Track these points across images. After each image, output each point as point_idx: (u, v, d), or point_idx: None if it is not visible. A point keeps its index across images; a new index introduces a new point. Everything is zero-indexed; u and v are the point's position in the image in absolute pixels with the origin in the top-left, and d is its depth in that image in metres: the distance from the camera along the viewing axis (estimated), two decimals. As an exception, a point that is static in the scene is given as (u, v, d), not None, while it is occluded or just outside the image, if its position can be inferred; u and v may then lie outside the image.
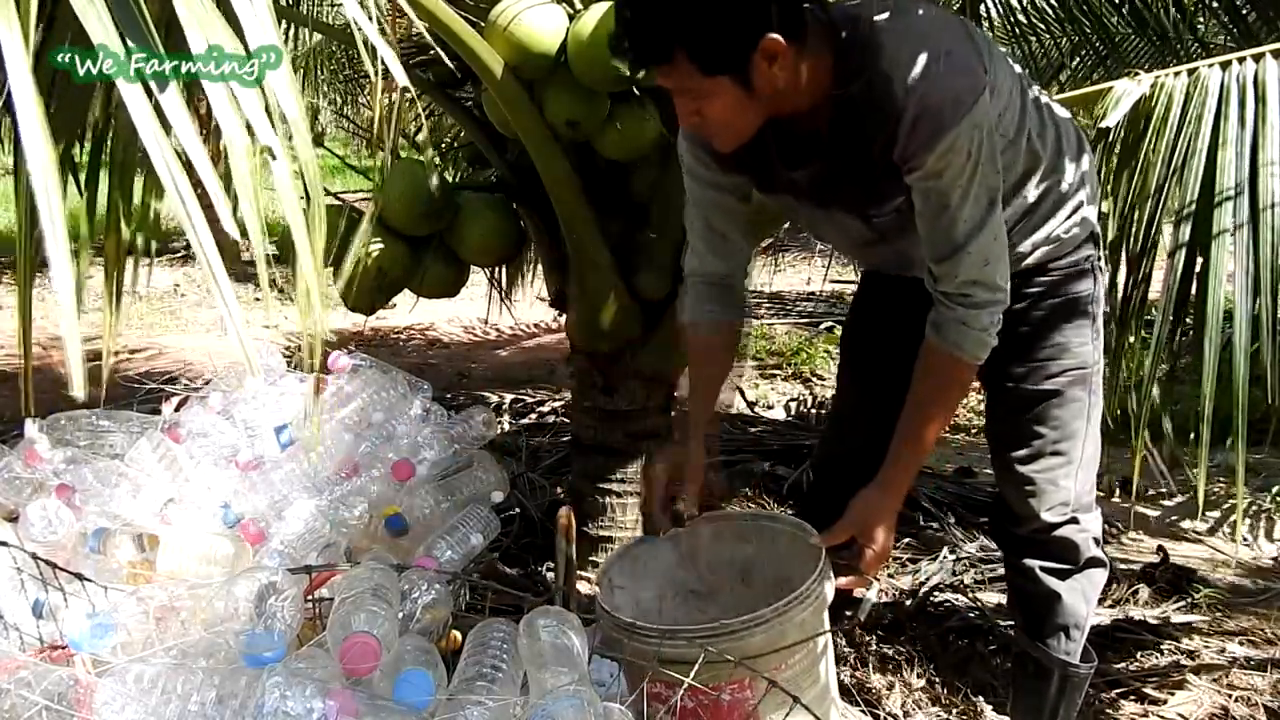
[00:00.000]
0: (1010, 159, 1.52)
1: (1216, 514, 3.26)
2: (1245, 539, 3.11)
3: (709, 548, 1.65)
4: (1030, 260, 1.62)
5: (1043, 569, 1.74)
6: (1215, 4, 2.88)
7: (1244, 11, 2.79)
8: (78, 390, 0.78)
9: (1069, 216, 1.61)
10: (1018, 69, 1.56)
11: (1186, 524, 3.20)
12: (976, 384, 1.85)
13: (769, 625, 1.32)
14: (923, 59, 1.34)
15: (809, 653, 1.38)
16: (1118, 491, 2.43)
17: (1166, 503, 3.33)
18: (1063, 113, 1.64)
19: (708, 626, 1.32)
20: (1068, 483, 1.69)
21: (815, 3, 1.37)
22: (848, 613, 1.69)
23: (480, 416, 1.78)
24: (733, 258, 1.67)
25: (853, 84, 1.38)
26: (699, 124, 1.41)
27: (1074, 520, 1.71)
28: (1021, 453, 1.69)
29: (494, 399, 4.35)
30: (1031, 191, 1.57)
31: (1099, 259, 1.68)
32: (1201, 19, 3.07)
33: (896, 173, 1.41)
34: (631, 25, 1.33)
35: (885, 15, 1.39)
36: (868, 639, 2.43)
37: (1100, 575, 1.78)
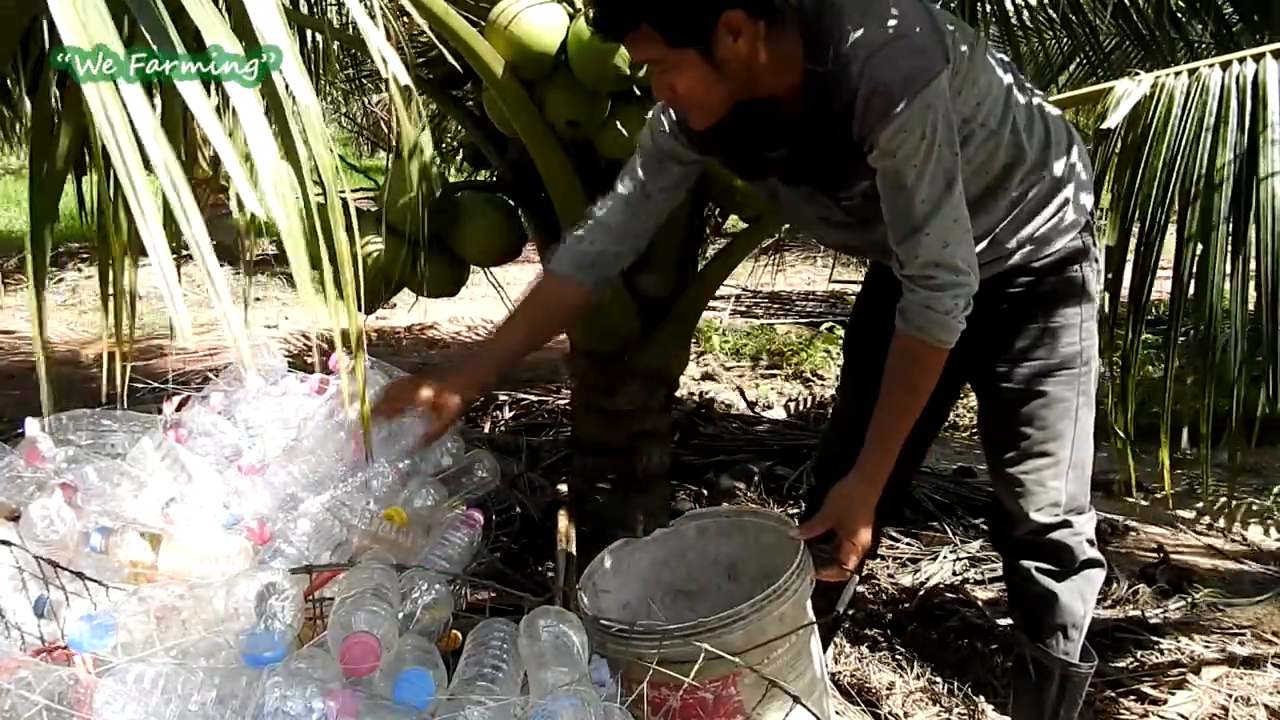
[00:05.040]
0: (991, 149, 1.53)
1: (1219, 518, 3.26)
2: (1245, 538, 3.11)
3: (694, 546, 1.65)
4: (1017, 258, 1.62)
5: (1039, 570, 1.75)
6: (1199, 5, 2.89)
7: (1228, 18, 2.81)
8: (188, 339, 0.81)
9: (1054, 214, 1.62)
10: (1006, 76, 1.56)
11: (1186, 523, 3.20)
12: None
13: (748, 621, 1.32)
14: (878, 39, 1.38)
15: (792, 646, 1.38)
16: (1119, 491, 2.43)
17: (1165, 506, 3.33)
18: (1055, 111, 1.65)
19: (687, 625, 1.33)
20: (1056, 484, 1.69)
21: None
22: (839, 608, 1.67)
23: (485, 462, 1.77)
24: (638, 221, 1.68)
25: (819, 64, 1.41)
26: (672, 98, 1.45)
27: (1066, 523, 1.71)
28: (1009, 454, 1.70)
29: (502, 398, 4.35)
30: (1015, 186, 1.57)
31: (1088, 260, 1.68)
32: (1192, 23, 3.08)
33: (858, 154, 1.43)
34: None
35: None
36: (870, 633, 2.43)
37: (1098, 575, 1.79)
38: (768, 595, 1.34)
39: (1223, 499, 3.29)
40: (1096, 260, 1.71)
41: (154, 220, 0.81)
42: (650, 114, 1.65)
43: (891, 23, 1.39)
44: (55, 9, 0.83)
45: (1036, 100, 1.61)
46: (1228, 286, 1.87)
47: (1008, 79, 1.55)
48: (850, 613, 1.51)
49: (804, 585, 1.41)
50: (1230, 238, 1.86)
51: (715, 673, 1.29)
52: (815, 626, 1.46)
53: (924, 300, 1.46)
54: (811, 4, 1.42)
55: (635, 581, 1.62)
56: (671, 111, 1.59)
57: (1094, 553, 1.76)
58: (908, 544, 2.99)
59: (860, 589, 1.88)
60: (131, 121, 0.84)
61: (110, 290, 1.53)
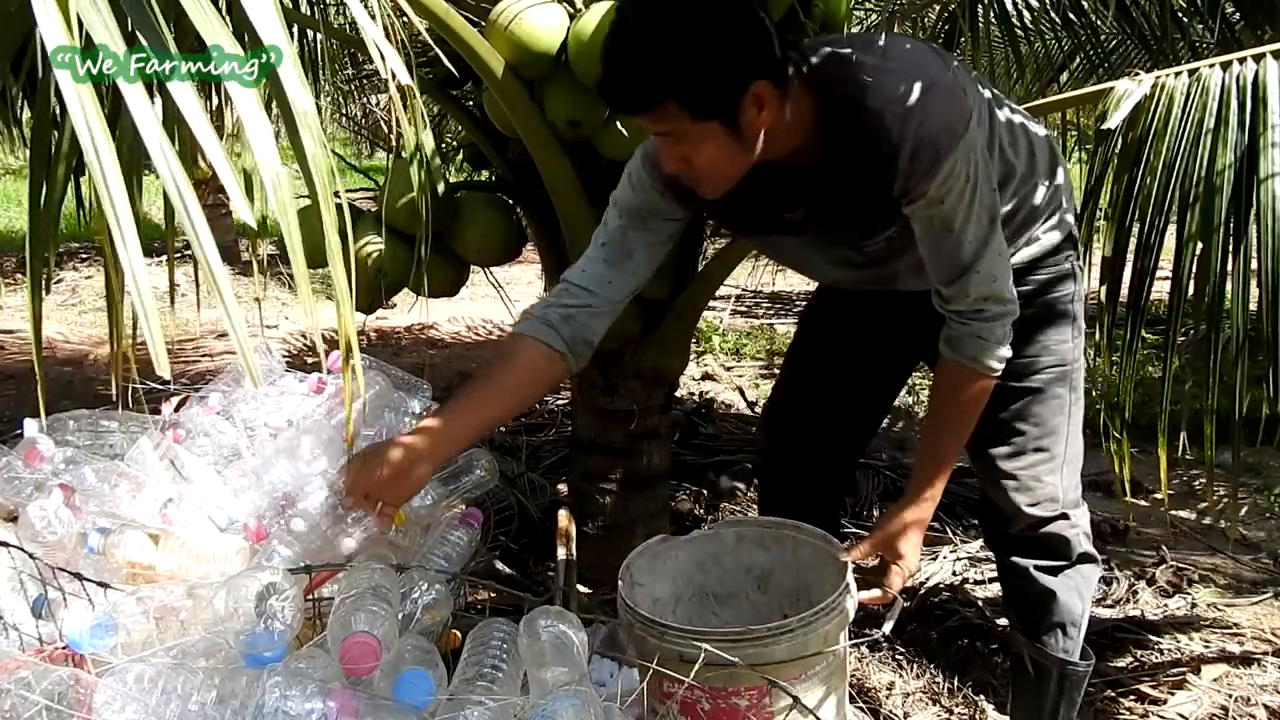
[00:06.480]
0: None
1: (1219, 518, 3.25)
2: (1245, 538, 3.11)
3: (731, 551, 1.65)
4: (1012, 264, 1.63)
5: (1036, 568, 1.75)
6: (1201, 4, 2.90)
7: (1230, 16, 2.81)
8: (164, 371, 0.80)
9: (1045, 220, 1.64)
10: (987, 93, 1.57)
11: (1186, 523, 3.20)
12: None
13: (793, 635, 1.32)
14: (913, 92, 1.35)
15: (828, 665, 1.39)
16: (1119, 491, 2.43)
17: (1165, 506, 3.33)
18: (1035, 128, 1.66)
19: (733, 631, 1.33)
20: (1052, 479, 1.70)
21: (791, 42, 1.37)
22: (885, 626, 1.65)
23: (484, 461, 1.78)
24: (620, 281, 1.57)
25: (839, 122, 1.38)
26: (686, 171, 1.39)
27: (1064, 516, 1.72)
28: (1003, 450, 1.70)
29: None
30: (1009, 200, 1.58)
31: (1077, 260, 1.71)
32: (1193, 23, 3.09)
33: (891, 206, 1.42)
34: (620, 71, 1.31)
35: (858, 49, 1.40)
36: (870, 633, 2.43)
37: (1093, 571, 1.79)
38: (816, 612, 1.34)
39: (1223, 499, 3.29)
40: (1081, 260, 1.74)
41: (129, 231, 0.80)
42: (629, 168, 1.57)
43: (915, 70, 1.37)
44: (39, 10, 0.83)
45: (1018, 120, 1.61)
46: (1228, 286, 1.87)
47: (989, 104, 1.55)
48: (886, 629, 1.50)
49: (850, 607, 1.42)
50: (1231, 238, 1.86)
51: (751, 681, 1.30)
52: (849, 651, 1.47)
53: (976, 331, 1.48)
54: (819, 56, 1.40)
55: (668, 579, 1.62)
56: (649, 165, 1.53)
57: (1089, 547, 1.77)
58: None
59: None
60: (133, 124, 0.84)
61: (115, 292, 1.53)
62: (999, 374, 1.52)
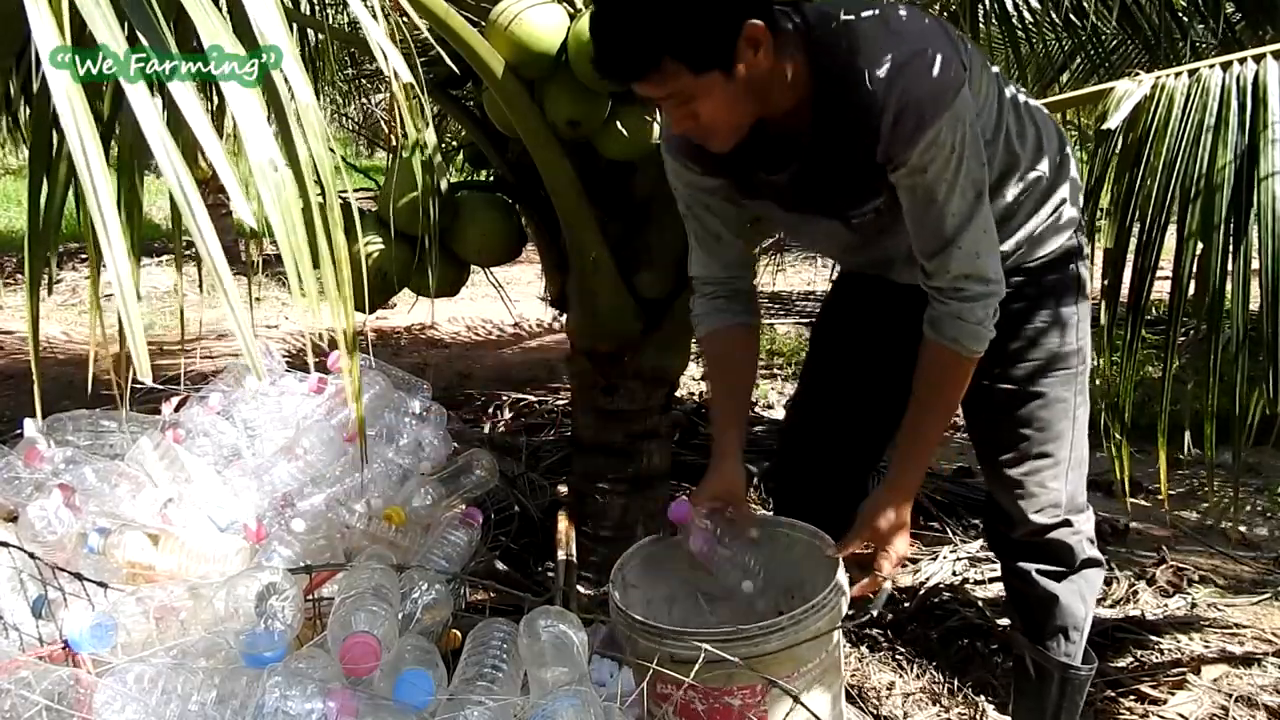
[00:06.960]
0: (988, 158, 1.52)
1: (1220, 518, 3.26)
2: (1245, 537, 3.11)
3: (722, 551, 1.65)
4: (1012, 260, 1.62)
5: (1039, 572, 1.74)
6: (1202, 5, 2.90)
7: (1230, 16, 2.81)
8: (145, 376, 0.80)
9: (1049, 215, 1.62)
10: (995, 69, 1.56)
11: (1187, 523, 3.20)
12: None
13: (784, 632, 1.32)
14: (901, 56, 1.35)
15: (820, 662, 1.38)
16: (1119, 491, 2.43)
17: (1165, 506, 3.33)
18: (1043, 112, 1.64)
19: (724, 630, 1.33)
20: (1056, 485, 1.68)
21: (786, 2, 1.37)
22: (872, 609, 1.67)
23: (484, 461, 1.78)
24: (730, 257, 1.68)
25: (831, 83, 1.38)
26: (694, 128, 1.40)
27: (1067, 523, 1.71)
28: (1007, 456, 1.69)
29: (505, 398, 4.35)
30: (1010, 191, 1.57)
31: (1082, 259, 1.69)
32: (1194, 24, 3.09)
33: (877, 173, 1.41)
34: (615, 41, 1.33)
35: (857, 14, 1.40)
36: (871, 632, 2.43)
37: (1097, 575, 1.78)
38: (807, 609, 1.34)
39: (1224, 499, 3.29)
40: (1087, 260, 1.72)
41: (115, 229, 0.79)
42: (665, 165, 1.62)
43: (910, 36, 1.36)
44: (31, 11, 0.82)
45: (1023, 99, 1.60)
46: (1228, 286, 1.86)
47: (998, 83, 1.54)
48: (873, 612, 1.50)
49: (841, 602, 1.42)
50: (1231, 237, 1.86)
51: (745, 680, 1.30)
52: (842, 650, 1.47)
53: (956, 311, 1.46)
54: (817, 18, 1.39)
55: (661, 580, 1.62)
56: (672, 149, 1.56)
57: (1094, 552, 1.76)
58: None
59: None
60: (134, 123, 0.84)
61: (105, 291, 1.52)
62: (979, 355, 1.49)
